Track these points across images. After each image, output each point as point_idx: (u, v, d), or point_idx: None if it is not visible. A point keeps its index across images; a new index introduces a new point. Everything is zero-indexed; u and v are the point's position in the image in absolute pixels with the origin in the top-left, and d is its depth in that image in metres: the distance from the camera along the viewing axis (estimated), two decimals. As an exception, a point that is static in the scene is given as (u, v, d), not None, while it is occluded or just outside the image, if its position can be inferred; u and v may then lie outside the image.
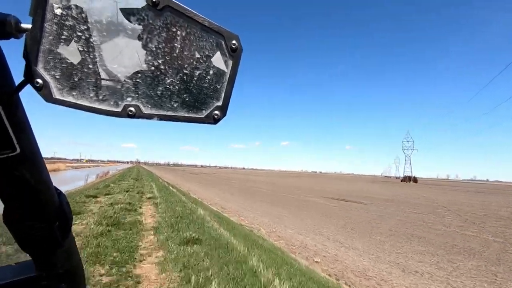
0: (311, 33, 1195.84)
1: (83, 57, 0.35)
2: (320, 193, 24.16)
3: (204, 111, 0.40)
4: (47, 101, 0.35)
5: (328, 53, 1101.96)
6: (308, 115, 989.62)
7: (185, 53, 0.37)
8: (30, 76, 0.34)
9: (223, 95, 0.40)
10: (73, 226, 0.52)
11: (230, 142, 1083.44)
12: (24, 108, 0.37)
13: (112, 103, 0.37)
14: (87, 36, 0.34)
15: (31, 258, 0.51)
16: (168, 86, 0.38)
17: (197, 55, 0.38)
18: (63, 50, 0.34)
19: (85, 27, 0.34)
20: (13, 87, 0.33)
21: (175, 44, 0.37)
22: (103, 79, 0.36)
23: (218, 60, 0.39)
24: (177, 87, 0.38)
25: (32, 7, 0.32)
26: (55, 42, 0.34)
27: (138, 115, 0.37)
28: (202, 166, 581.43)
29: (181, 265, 3.78)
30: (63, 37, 0.34)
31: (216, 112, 0.40)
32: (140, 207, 8.55)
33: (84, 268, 0.62)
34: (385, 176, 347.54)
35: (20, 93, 0.34)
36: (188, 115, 0.40)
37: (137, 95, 0.37)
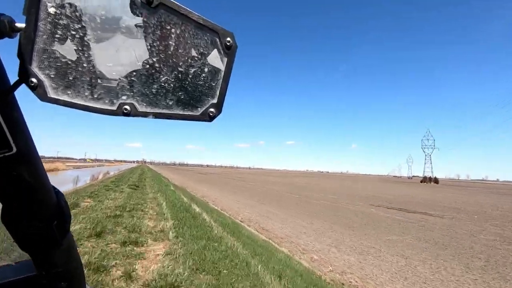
0: (316, 32, 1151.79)
1: (77, 55, 0.35)
2: (361, 199, 19.87)
3: (199, 109, 0.40)
4: (42, 100, 0.35)
5: (333, 52, 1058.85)
6: (313, 114, 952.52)
7: (179, 51, 0.37)
8: (24, 75, 0.34)
9: (218, 92, 0.40)
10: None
11: (234, 141, 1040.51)
12: (20, 107, 0.36)
13: (107, 101, 0.37)
14: (81, 34, 0.34)
15: (30, 257, 0.51)
16: (163, 84, 0.38)
17: (192, 53, 0.38)
18: (57, 49, 0.34)
19: (79, 25, 0.34)
20: (8, 86, 0.33)
21: (170, 42, 0.37)
22: (98, 78, 0.36)
23: (213, 57, 0.39)
24: (172, 85, 0.38)
25: (25, 6, 0.32)
26: (49, 41, 0.34)
27: (133, 113, 0.37)
28: (208, 165, 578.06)
29: None
30: (57, 36, 0.34)
31: (211, 109, 0.40)
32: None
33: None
34: (394, 176, 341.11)
35: (18, 93, 0.34)
36: (184, 113, 0.39)
37: (132, 93, 0.37)
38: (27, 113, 0.39)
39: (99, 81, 0.36)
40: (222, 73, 0.39)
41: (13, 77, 0.34)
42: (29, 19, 0.32)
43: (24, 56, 0.33)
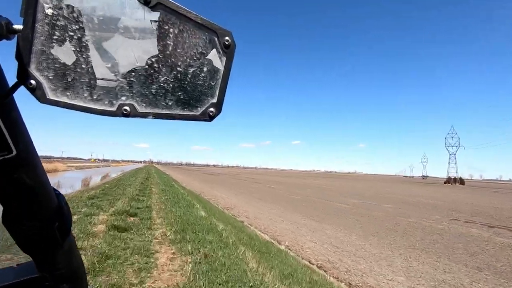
0: (322, 31, 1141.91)
1: (76, 57, 0.34)
2: (427, 209, 15.48)
3: (199, 109, 0.40)
4: (41, 102, 0.35)
5: (339, 50, 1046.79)
6: (320, 113, 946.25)
7: (178, 50, 0.37)
8: (23, 77, 0.34)
9: (217, 92, 0.40)
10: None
11: (240, 141, 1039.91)
12: (19, 109, 0.36)
13: (106, 102, 0.37)
14: (79, 35, 0.34)
15: (32, 259, 0.51)
16: (162, 84, 0.38)
17: (191, 53, 0.38)
18: (55, 50, 0.34)
19: (77, 26, 0.34)
20: (7, 89, 0.33)
21: (168, 42, 0.37)
22: (97, 79, 0.36)
23: (211, 57, 0.39)
24: (171, 85, 0.38)
25: (22, 7, 0.32)
26: (47, 43, 0.34)
27: (133, 114, 0.37)
28: (214, 165, 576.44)
29: None
30: (55, 37, 0.33)
31: (211, 109, 0.40)
32: None
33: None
34: (404, 176, 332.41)
35: (16, 95, 0.34)
36: (183, 113, 0.39)
37: (131, 94, 0.37)
38: (30, 113, 0.38)
39: (98, 82, 0.36)
40: (221, 72, 0.39)
41: (11, 79, 0.34)
42: (26, 20, 0.32)
43: (22, 58, 0.33)
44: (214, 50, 0.38)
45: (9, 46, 0.33)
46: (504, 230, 9.85)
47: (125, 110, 0.37)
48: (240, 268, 3.88)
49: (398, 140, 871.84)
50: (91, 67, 0.35)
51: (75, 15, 0.33)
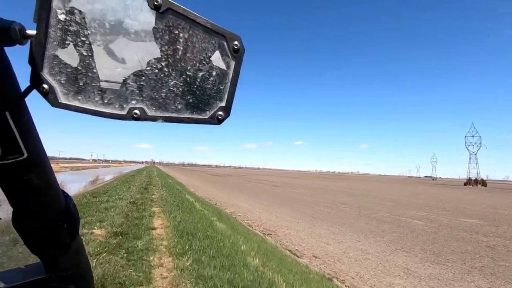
0: (325, 31, 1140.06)
1: (87, 61, 0.35)
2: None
3: (208, 112, 0.40)
4: (53, 105, 0.35)
5: (341, 51, 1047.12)
6: (322, 114, 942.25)
7: (187, 55, 0.38)
8: (36, 81, 0.34)
9: (226, 95, 0.40)
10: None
11: (242, 142, 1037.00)
12: (31, 113, 0.37)
13: (117, 106, 0.37)
14: (91, 40, 0.35)
15: (40, 260, 0.52)
16: (171, 88, 0.38)
17: (200, 57, 0.38)
18: (67, 55, 0.34)
19: (89, 31, 0.34)
20: (19, 92, 0.34)
21: (178, 46, 0.37)
22: (108, 83, 0.36)
23: (220, 61, 0.39)
24: (180, 89, 0.38)
25: (36, 13, 0.33)
26: (59, 48, 0.34)
27: (143, 117, 0.38)
28: (217, 166, 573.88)
29: None
30: (67, 42, 0.34)
31: (220, 112, 0.40)
32: None
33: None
34: (409, 177, 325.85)
35: (26, 98, 0.35)
36: (192, 116, 0.40)
37: (141, 98, 0.38)
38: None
39: (109, 86, 0.36)
40: (230, 76, 0.40)
41: (23, 83, 0.34)
42: (39, 26, 0.33)
43: (35, 62, 0.33)
44: (223, 54, 0.39)
45: (22, 51, 0.33)
46: None
47: (135, 113, 0.37)
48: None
49: (399, 141, 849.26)
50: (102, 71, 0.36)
51: (87, 20, 0.34)
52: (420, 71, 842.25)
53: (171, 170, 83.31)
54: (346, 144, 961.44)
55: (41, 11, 0.33)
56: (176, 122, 0.39)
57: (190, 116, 0.40)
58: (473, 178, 76.82)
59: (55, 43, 0.34)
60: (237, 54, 0.39)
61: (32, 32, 0.33)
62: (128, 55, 0.36)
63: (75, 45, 0.34)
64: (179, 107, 0.39)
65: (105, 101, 0.37)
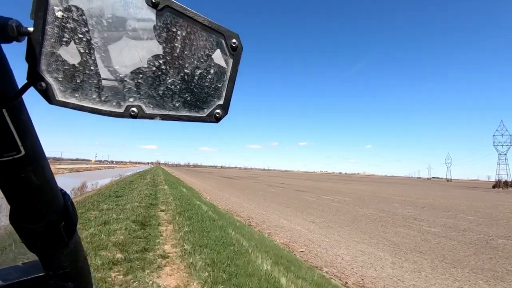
0: (331, 30, 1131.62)
1: (84, 58, 0.35)
2: None
3: (206, 110, 0.40)
4: (50, 103, 0.35)
5: (346, 51, 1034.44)
6: (327, 115, 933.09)
7: (185, 52, 0.38)
8: (33, 78, 0.34)
9: (224, 93, 0.40)
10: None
11: (246, 143, 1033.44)
12: (28, 110, 0.37)
13: (114, 104, 0.37)
14: (88, 37, 0.34)
15: (37, 258, 0.52)
16: (169, 86, 0.38)
17: (198, 55, 0.38)
18: (65, 52, 0.34)
19: (86, 29, 0.34)
20: (16, 90, 0.34)
21: (176, 44, 0.37)
22: (105, 80, 0.36)
23: (218, 59, 0.39)
24: (178, 87, 0.38)
25: (33, 10, 0.33)
26: (57, 45, 0.34)
27: (140, 115, 0.38)
28: (222, 167, 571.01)
29: None
30: (64, 39, 0.34)
31: (218, 110, 0.40)
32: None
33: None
34: (418, 178, 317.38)
35: (24, 95, 0.35)
36: (190, 114, 0.40)
37: (139, 96, 0.37)
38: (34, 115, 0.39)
39: (106, 83, 0.36)
40: (228, 74, 0.40)
41: (21, 80, 0.34)
42: (36, 23, 0.33)
43: (32, 59, 0.33)
44: (221, 52, 0.39)
45: (19, 48, 0.33)
46: None
47: (133, 111, 0.37)
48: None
49: (405, 142, 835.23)
50: (100, 68, 0.35)
51: (84, 17, 0.34)
52: (422, 70, 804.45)
53: (177, 171, 79.16)
54: (351, 144, 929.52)
55: (38, 7, 0.32)
56: (173, 120, 0.39)
57: (188, 114, 0.39)
58: (503, 180, 70.55)
59: (52, 40, 0.34)
60: (235, 52, 0.39)
61: (29, 29, 0.32)
62: (125, 53, 0.36)
63: (73, 42, 0.34)
64: (177, 105, 0.39)
65: (103, 98, 0.36)
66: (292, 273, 4.40)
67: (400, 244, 7.76)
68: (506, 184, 67.39)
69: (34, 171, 0.39)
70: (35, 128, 0.39)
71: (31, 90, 0.34)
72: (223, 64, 0.39)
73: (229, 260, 4.32)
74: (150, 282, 3.42)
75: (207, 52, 0.38)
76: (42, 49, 0.33)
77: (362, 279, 5.13)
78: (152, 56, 0.37)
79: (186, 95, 0.39)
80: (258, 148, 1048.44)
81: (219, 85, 0.40)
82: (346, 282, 4.98)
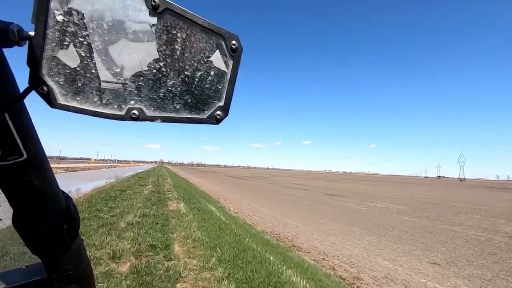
0: (333, 28, 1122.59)
1: (85, 62, 0.35)
2: None
3: (206, 112, 0.40)
4: (52, 106, 0.35)
5: (351, 49, 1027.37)
6: (331, 114, 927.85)
7: (185, 55, 0.38)
8: (34, 82, 0.34)
9: (224, 95, 0.40)
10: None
11: (250, 141, 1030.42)
12: (30, 114, 0.37)
13: (115, 106, 0.37)
14: (89, 41, 0.35)
15: (40, 261, 0.52)
16: (170, 88, 0.38)
17: (198, 57, 0.38)
18: (66, 56, 0.34)
19: (87, 32, 0.34)
20: (18, 94, 0.34)
21: (176, 46, 0.37)
22: (106, 83, 0.36)
23: (218, 60, 0.39)
24: (179, 89, 0.38)
25: (34, 14, 0.33)
26: (58, 49, 0.34)
27: (141, 117, 0.38)
28: (225, 166, 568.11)
29: None
30: (65, 43, 0.34)
31: (218, 112, 0.40)
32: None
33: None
34: (425, 177, 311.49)
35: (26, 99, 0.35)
36: (191, 116, 0.40)
37: (140, 98, 0.38)
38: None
39: (107, 86, 0.36)
40: (228, 76, 0.40)
41: (22, 84, 0.34)
42: (37, 27, 0.33)
43: (34, 63, 0.33)
44: (221, 54, 0.39)
45: (20, 52, 0.33)
46: None
47: (134, 114, 0.37)
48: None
49: (407, 141, 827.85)
50: (101, 72, 0.36)
51: (84, 21, 0.34)
52: (422, 70, 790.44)
53: (182, 171, 75.06)
54: (355, 144, 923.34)
55: (39, 12, 0.32)
56: (174, 122, 0.39)
57: (188, 116, 0.39)
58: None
59: (53, 44, 0.34)
60: (235, 53, 0.39)
61: (30, 33, 0.33)
62: (126, 55, 0.36)
63: (74, 46, 0.34)
64: (178, 107, 0.39)
65: (104, 101, 0.36)
66: None
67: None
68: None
69: (36, 174, 0.39)
70: (37, 131, 0.39)
71: (33, 94, 0.34)
72: (223, 65, 0.39)
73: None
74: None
75: (207, 54, 0.38)
76: (43, 53, 0.33)
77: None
78: (153, 59, 0.37)
79: (187, 97, 0.39)
80: (261, 147, 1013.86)
81: (220, 87, 0.40)
82: None
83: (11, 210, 0.43)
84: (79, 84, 0.35)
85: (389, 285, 4.90)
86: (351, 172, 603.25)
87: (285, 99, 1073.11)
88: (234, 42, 0.38)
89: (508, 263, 6.28)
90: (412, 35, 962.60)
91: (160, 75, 0.37)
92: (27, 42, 0.33)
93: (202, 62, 0.38)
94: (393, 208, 15.48)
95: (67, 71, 0.35)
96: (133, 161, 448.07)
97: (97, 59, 0.35)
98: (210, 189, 23.21)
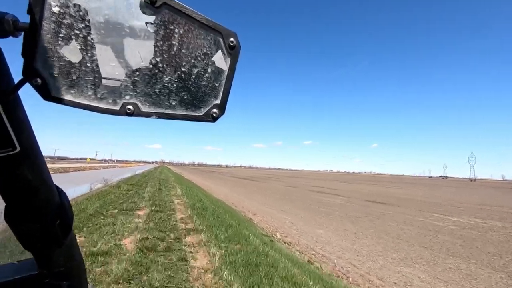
0: (333, 28, 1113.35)
1: (81, 55, 0.34)
2: None
3: (202, 109, 0.40)
4: (45, 99, 0.35)
5: (353, 49, 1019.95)
6: (332, 113, 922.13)
7: (183, 51, 0.37)
8: (28, 74, 0.34)
9: (221, 93, 0.40)
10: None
11: (251, 142, 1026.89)
12: (24, 106, 0.37)
13: (110, 101, 0.36)
14: (85, 34, 0.34)
15: (32, 256, 0.51)
16: (166, 84, 0.38)
17: (195, 53, 0.38)
18: (61, 48, 0.34)
19: (83, 25, 0.34)
20: (12, 85, 0.33)
21: (173, 42, 0.37)
22: (101, 78, 0.36)
23: (216, 57, 0.39)
24: (175, 85, 0.38)
25: (29, 5, 0.32)
26: (53, 41, 0.33)
27: (136, 113, 0.37)
28: (227, 166, 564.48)
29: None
30: (61, 35, 0.33)
31: (215, 110, 0.40)
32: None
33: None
34: (429, 177, 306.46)
35: (21, 92, 0.35)
36: (187, 113, 0.39)
37: (135, 93, 0.37)
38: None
39: (102, 81, 0.36)
40: (226, 74, 0.39)
41: (17, 76, 0.34)
42: (33, 18, 0.32)
43: (28, 55, 0.33)
44: (219, 51, 0.38)
45: (15, 43, 0.33)
46: None
47: (129, 109, 0.36)
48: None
49: (410, 141, 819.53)
50: (96, 65, 0.35)
51: (81, 13, 0.33)
52: (421, 70, 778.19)
53: (185, 171, 70.77)
54: (356, 143, 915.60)
55: (35, 3, 0.32)
56: (170, 118, 0.38)
57: (184, 113, 0.39)
58: None
59: (48, 35, 0.33)
60: (233, 51, 0.38)
61: (25, 24, 0.32)
62: (122, 50, 0.35)
63: (69, 39, 0.33)
64: (173, 103, 0.38)
65: (98, 96, 0.36)
66: None
67: None
68: None
69: (29, 168, 0.39)
70: (32, 124, 0.38)
71: (27, 86, 0.34)
72: (220, 63, 0.39)
73: None
74: None
75: (205, 50, 0.38)
76: (39, 45, 0.33)
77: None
78: (149, 54, 0.36)
79: (183, 93, 0.38)
80: (262, 147, 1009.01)
81: (216, 84, 0.39)
82: None
83: (3, 204, 0.42)
84: (74, 77, 0.35)
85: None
86: (354, 172, 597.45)
87: (285, 98, 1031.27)
88: (232, 39, 0.38)
89: None
90: (407, 36, 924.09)
91: (156, 71, 0.37)
92: (22, 33, 0.32)
93: (199, 59, 0.38)
94: (496, 227, 10.88)
95: (62, 63, 0.34)
96: (134, 161, 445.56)
97: (92, 52, 0.34)
98: (225, 194, 18.66)
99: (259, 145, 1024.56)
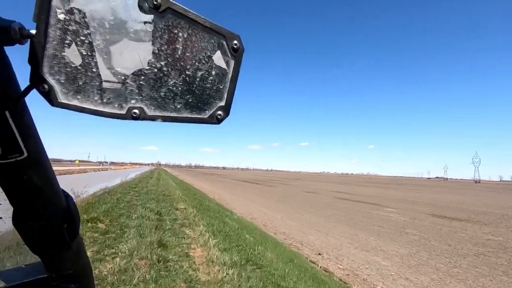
0: (330, 29, 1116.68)
1: (87, 61, 0.35)
2: None
3: (207, 112, 0.40)
4: (52, 105, 0.35)
5: (349, 49, 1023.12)
6: (328, 115, 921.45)
7: (187, 54, 0.38)
8: (35, 81, 0.34)
9: (225, 95, 0.40)
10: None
11: (247, 143, 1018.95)
12: (31, 112, 0.37)
13: (116, 105, 0.37)
14: (90, 40, 0.34)
15: (40, 260, 0.52)
16: (171, 88, 0.38)
17: (199, 56, 0.38)
18: (67, 54, 0.34)
19: (88, 31, 0.34)
20: (19, 92, 0.34)
21: (177, 46, 0.37)
22: (107, 82, 0.36)
23: (220, 60, 0.39)
24: (180, 88, 0.38)
25: (35, 12, 0.33)
26: (59, 47, 0.34)
27: (142, 117, 0.38)
28: (224, 168, 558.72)
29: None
30: (67, 41, 0.34)
31: (219, 112, 0.40)
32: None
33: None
34: (428, 178, 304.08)
35: (27, 98, 0.35)
36: (192, 116, 0.40)
37: (140, 97, 0.37)
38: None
39: (108, 85, 0.36)
40: (230, 76, 0.40)
41: (23, 82, 0.34)
42: (39, 25, 0.33)
43: (35, 62, 0.33)
44: (223, 53, 0.39)
45: (22, 51, 0.33)
46: None
47: (135, 113, 0.37)
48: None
49: (408, 142, 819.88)
50: (102, 70, 0.35)
51: (86, 20, 0.34)
52: (419, 71, 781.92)
53: (183, 174, 66.28)
54: (353, 144, 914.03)
55: (41, 10, 0.32)
56: (175, 121, 0.39)
57: (189, 115, 0.39)
58: None
59: (54, 42, 0.34)
60: (236, 53, 0.39)
61: (31, 31, 0.32)
62: (127, 55, 0.36)
63: (75, 45, 0.34)
64: (179, 106, 0.39)
65: (104, 100, 0.36)
66: None
67: None
68: None
69: (36, 173, 0.39)
70: (38, 130, 0.39)
71: (34, 93, 0.34)
72: (224, 65, 0.39)
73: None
74: None
75: (209, 53, 0.38)
76: (45, 52, 0.33)
77: None
78: (154, 58, 0.37)
79: (188, 96, 0.39)
80: (258, 148, 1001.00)
81: (221, 87, 0.40)
82: None
83: (11, 209, 0.42)
84: (80, 83, 0.35)
85: None
86: (352, 174, 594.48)
87: (281, 99, 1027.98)
88: (235, 41, 0.38)
89: None
90: (403, 36, 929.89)
91: (161, 75, 0.37)
92: (29, 40, 0.32)
93: (203, 62, 0.38)
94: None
95: (68, 69, 0.34)
96: (130, 163, 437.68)
97: (98, 58, 0.35)
98: (240, 206, 14.01)
99: (255, 147, 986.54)
